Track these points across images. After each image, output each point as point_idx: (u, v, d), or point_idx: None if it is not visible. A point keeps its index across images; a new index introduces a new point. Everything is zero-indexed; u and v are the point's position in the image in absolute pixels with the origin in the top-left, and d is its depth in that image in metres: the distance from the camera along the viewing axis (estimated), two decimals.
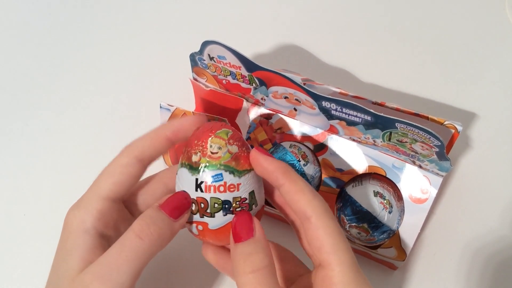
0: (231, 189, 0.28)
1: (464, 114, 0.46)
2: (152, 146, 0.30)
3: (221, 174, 0.27)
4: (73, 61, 0.51)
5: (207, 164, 0.27)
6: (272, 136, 0.42)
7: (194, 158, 0.28)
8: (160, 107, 0.40)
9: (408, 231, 0.38)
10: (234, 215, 0.28)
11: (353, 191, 0.39)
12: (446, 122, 0.36)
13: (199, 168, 0.28)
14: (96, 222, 0.28)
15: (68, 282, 0.27)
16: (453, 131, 0.36)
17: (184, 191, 0.28)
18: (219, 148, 0.28)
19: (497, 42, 0.49)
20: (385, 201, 0.37)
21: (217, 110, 0.43)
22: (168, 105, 0.40)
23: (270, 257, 0.26)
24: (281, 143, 0.41)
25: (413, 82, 0.47)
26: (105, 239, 0.29)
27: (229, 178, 0.27)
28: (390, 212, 0.37)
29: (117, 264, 0.26)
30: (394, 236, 0.38)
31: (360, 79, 0.48)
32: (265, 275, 0.25)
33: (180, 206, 0.28)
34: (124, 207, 0.31)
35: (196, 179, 0.28)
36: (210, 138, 0.28)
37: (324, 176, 0.40)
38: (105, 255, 0.27)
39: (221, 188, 0.27)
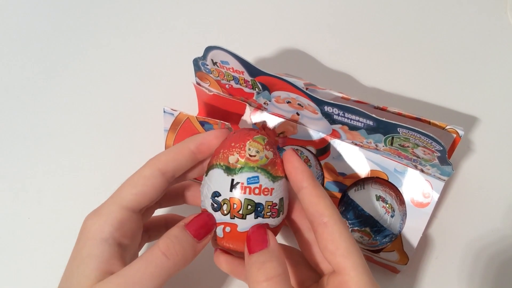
0: (265, 193, 0.28)
1: (465, 118, 0.46)
2: (176, 160, 0.30)
3: (257, 177, 0.28)
4: (76, 65, 0.52)
5: (245, 166, 0.28)
6: (274, 140, 0.42)
7: (232, 159, 0.28)
8: (164, 111, 0.40)
9: (410, 235, 0.38)
10: (263, 219, 0.28)
11: (356, 195, 0.39)
12: (447, 127, 0.36)
13: (236, 169, 0.28)
14: (114, 232, 0.28)
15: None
16: (454, 135, 0.36)
17: (209, 213, 0.29)
18: (257, 152, 0.28)
19: (498, 45, 0.49)
20: (387, 205, 0.38)
21: (220, 115, 0.44)
22: (172, 109, 0.40)
23: (284, 265, 0.27)
24: (284, 147, 0.41)
25: (415, 86, 0.47)
26: (122, 248, 0.29)
27: (264, 181, 0.28)
28: (392, 216, 0.38)
29: (142, 279, 0.26)
30: (396, 240, 0.38)
31: (362, 84, 0.48)
32: (279, 283, 0.26)
33: (205, 228, 0.28)
34: (142, 219, 0.31)
35: (232, 180, 0.28)
36: (249, 142, 0.29)
37: (326, 180, 0.40)
38: (129, 268, 0.27)
39: (256, 191, 0.28)
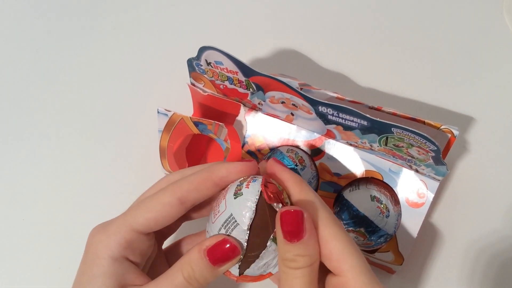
0: None
1: (461, 118, 0.46)
2: (198, 190, 0.29)
3: None
4: (70, 65, 0.51)
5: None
6: (269, 140, 0.42)
7: None
8: (158, 112, 0.40)
9: (405, 235, 0.38)
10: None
11: (350, 196, 0.39)
12: (442, 127, 0.36)
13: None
14: (123, 251, 0.28)
15: None
16: (449, 135, 0.36)
17: (233, 239, 0.27)
18: None
19: (494, 46, 0.49)
20: (382, 206, 0.38)
21: (215, 115, 0.43)
22: (166, 110, 0.40)
23: (315, 257, 0.26)
24: (279, 148, 0.41)
25: (410, 86, 0.47)
26: (133, 264, 0.29)
27: None
28: (387, 217, 0.38)
29: None
30: (391, 240, 0.38)
31: (357, 84, 0.48)
32: (309, 273, 0.26)
33: (224, 259, 0.27)
34: (153, 236, 0.31)
35: None
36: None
37: (321, 181, 0.40)
38: (153, 286, 0.28)
39: None
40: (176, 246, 0.34)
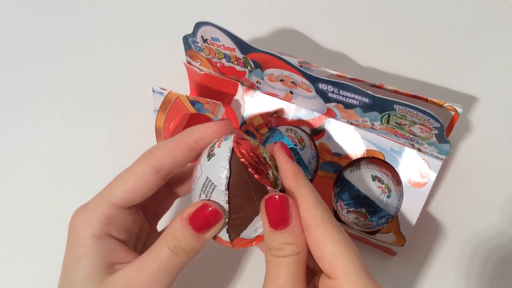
0: None
1: (464, 97, 0.45)
2: (172, 156, 0.28)
3: None
4: (64, 46, 0.50)
5: None
6: (268, 120, 0.41)
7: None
8: (153, 90, 0.39)
9: (407, 216, 0.37)
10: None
11: (351, 176, 0.38)
12: (446, 104, 0.35)
13: None
14: (104, 227, 0.27)
15: (93, 286, 0.26)
16: (453, 113, 0.35)
17: (214, 203, 0.26)
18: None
19: (498, 24, 0.48)
20: (384, 186, 0.37)
21: (212, 94, 0.42)
22: (161, 88, 0.39)
23: (302, 246, 0.26)
24: (277, 127, 0.40)
25: (412, 65, 0.46)
26: (119, 241, 0.28)
27: None
28: (388, 197, 0.37)
29: (156, 273, 0.26)
30: (392, 221, 0.37)
31: (358, 62, 0.47)
32: (292, 265, 0.25)
33: (207, 224, 0.26)
34: (139, 212, 0.30)
35: None
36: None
37: (321, 161, 0.39)
38: (139, 262, 0.27)
39: None
40: None
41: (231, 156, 0.26)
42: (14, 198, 0.44)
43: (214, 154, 0.26)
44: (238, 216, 0.27)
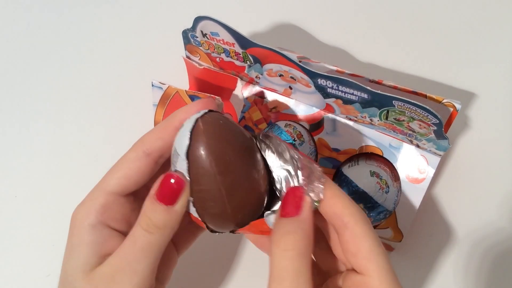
0: None
1: (463, 93, 0.45)
2: (161, 139, 0.28)
3: None
4: (62, 40, 0.50)
5: None
6: (267, 115, 0.41)
7: None
8: (152, 85, 0.39)
9: (405, 212, 0.37)
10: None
11: (350, 171, 0.38)
12: (444, 100, 0.35)
13: None
14: (100, 216, 0.28)
15: (82, 276, 0.27)
16: (451, 109, 0.35)
17: (178, 172, 0.27)
18: None
19: (498, 20, 0.48)
20: (382, 181, 0.37)
21: (211, 89, 0.42)
22: (160, 83, 0.39)
23: (307, 241, 0.25)
24: (276, 123, 0.40)
25: (411, 60, 0.46)
26: (117, 232, 0.28)
27: None
28: (386, 192, 0.37)
29: (134, 256, 0.26)
30: (390, 217, 0.37)
31: (357, 57, 0.47)
32: (295, 258, 0.25)
33: (172, 193, 0.27)
34: (138, 201, 0.30)
35: None
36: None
37: (320, 156, 0.39)
38: (119, 249, 0.27)
39: None
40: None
41: (194, 125, 0.26)
42: (12, 192, 0.44)
43: (183, 126, 0.27)
44: (199, 189, 0.26)
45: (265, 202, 0.28)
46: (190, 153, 0.26)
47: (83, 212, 0.28)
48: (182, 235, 0.32)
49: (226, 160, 0.26)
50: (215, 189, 0.26)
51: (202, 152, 0.26)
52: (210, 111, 0.27)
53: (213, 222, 0.28)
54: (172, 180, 0.26)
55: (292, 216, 0.25)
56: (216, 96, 0.37)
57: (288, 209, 0.26)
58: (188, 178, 0.26)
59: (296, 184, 0.27)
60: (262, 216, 0.27)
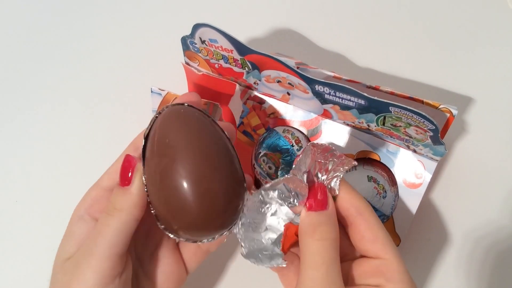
0: None
1: (460, 99, 0.45)
2: None
3: None
4: (62, 45, 0.50)
5: None
6: (265, 121, 0.42)
7: None
8: (151, 91, 0.40)
9: (402, 216, 0.38)
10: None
11: (347, 176, 0.38)
12: (441, 106, 0.35)
13: None
14: (89, 208, 0.30)
15: (60, 264, 0.28)
16: (448, 115, 0.35)
17: (129, 156, 0.28)
18: None
19: (494, 25, 0.48)
20: (379, 186, 0.37)
21: (210, 95, 0.43)
22: (159, 89, 0.39)
23: (337, 231, 0.27)
24: (275, 128, 0.41)
25: (409, 66, 0.47)
26: None
27: None
28: (384, 197, 0.37)
29: (93, 239, 0.27)
30: (388, 221, 0.38)
31: (354, 63, 0.47)
32: (330, 247, 0.27)
33: (125, 172, 0.28)
34: None
35: None
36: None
37: None
38: (86, 236, 0.28)
39: None
40: None
41: (158, 113, 0.29)
42: (13, 197, 0.44)
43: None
44: (146, 170, 0.28)
45: (230, 196, 0.28)
46: (147, 135, 0.28)
47: (78, 205, 0.30)
48: (188, 251, 0.33)
49: (166, 143, 0.27)
50: (154, 171, 0.27)
51: (151, 134, 0.28)
52: (181, 104, 0.29)
53: (157, 209, 0.28)
54: (126, 160, 0.28)
55: (322, 210, 0.27)
56: (215, 103, 0.38)
57: (317, 204, 0.28)
58: (141, 155, 0.28)
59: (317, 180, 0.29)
60: (235, 214, 0.28)
